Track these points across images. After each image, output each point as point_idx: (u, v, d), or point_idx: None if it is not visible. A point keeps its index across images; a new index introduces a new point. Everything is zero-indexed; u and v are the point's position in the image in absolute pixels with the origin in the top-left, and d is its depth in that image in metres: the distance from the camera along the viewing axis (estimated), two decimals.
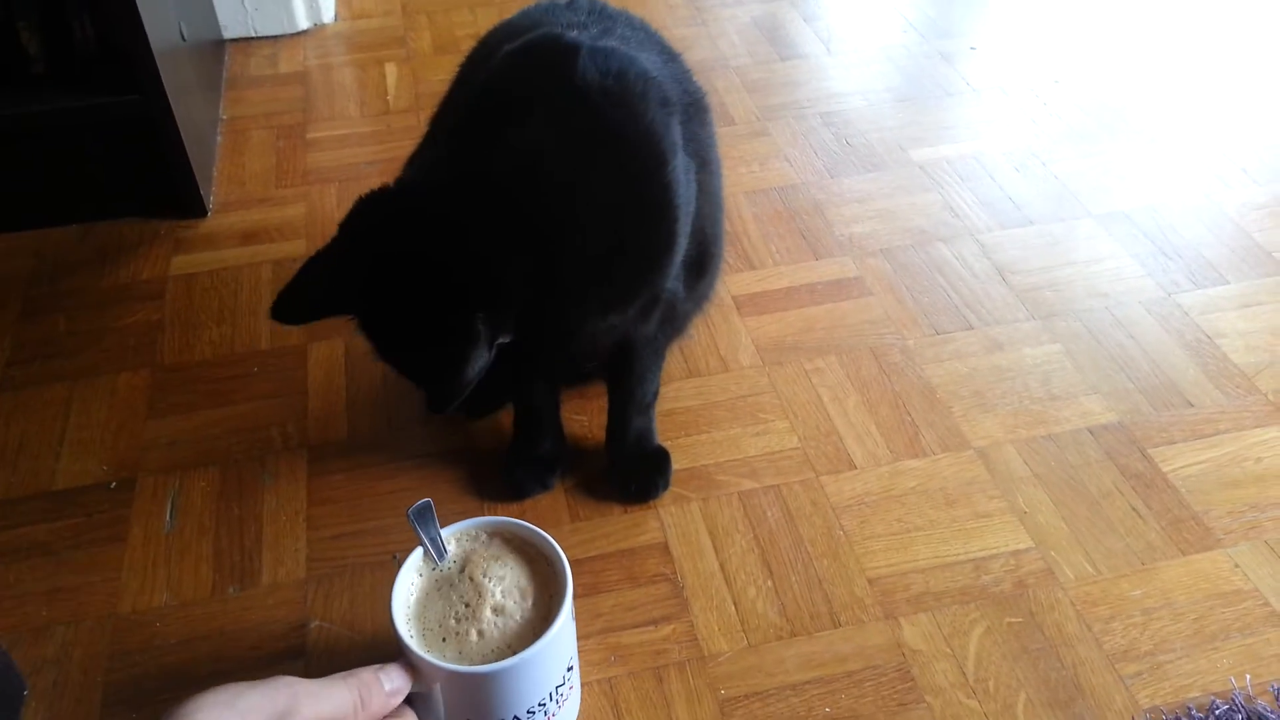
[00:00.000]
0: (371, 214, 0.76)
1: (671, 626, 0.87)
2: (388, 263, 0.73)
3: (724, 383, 1.09)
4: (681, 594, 0.90)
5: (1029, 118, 1.50)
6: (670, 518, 0.96)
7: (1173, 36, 1.71)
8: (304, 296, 0.75)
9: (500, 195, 0.74)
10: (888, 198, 1.35)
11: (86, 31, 1.24)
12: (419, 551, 0.74)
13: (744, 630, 0.87)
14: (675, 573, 0.91)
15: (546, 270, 0.75)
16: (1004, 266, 1.24)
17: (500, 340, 0.75)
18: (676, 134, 0.81)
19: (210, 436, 1.04)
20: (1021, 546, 0.93)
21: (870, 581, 0.90)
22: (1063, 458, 1.01)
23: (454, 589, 0.73)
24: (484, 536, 0.77)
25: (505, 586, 0.73)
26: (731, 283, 1.21)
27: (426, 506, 0.74)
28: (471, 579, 0.73)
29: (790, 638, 0.86)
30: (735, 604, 0.89)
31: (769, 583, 0.90)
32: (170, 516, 0.96)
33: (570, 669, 0.76)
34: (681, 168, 0.81)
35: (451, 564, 0.75)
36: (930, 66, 1.64)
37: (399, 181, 0.79)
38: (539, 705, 0.72)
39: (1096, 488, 0.98)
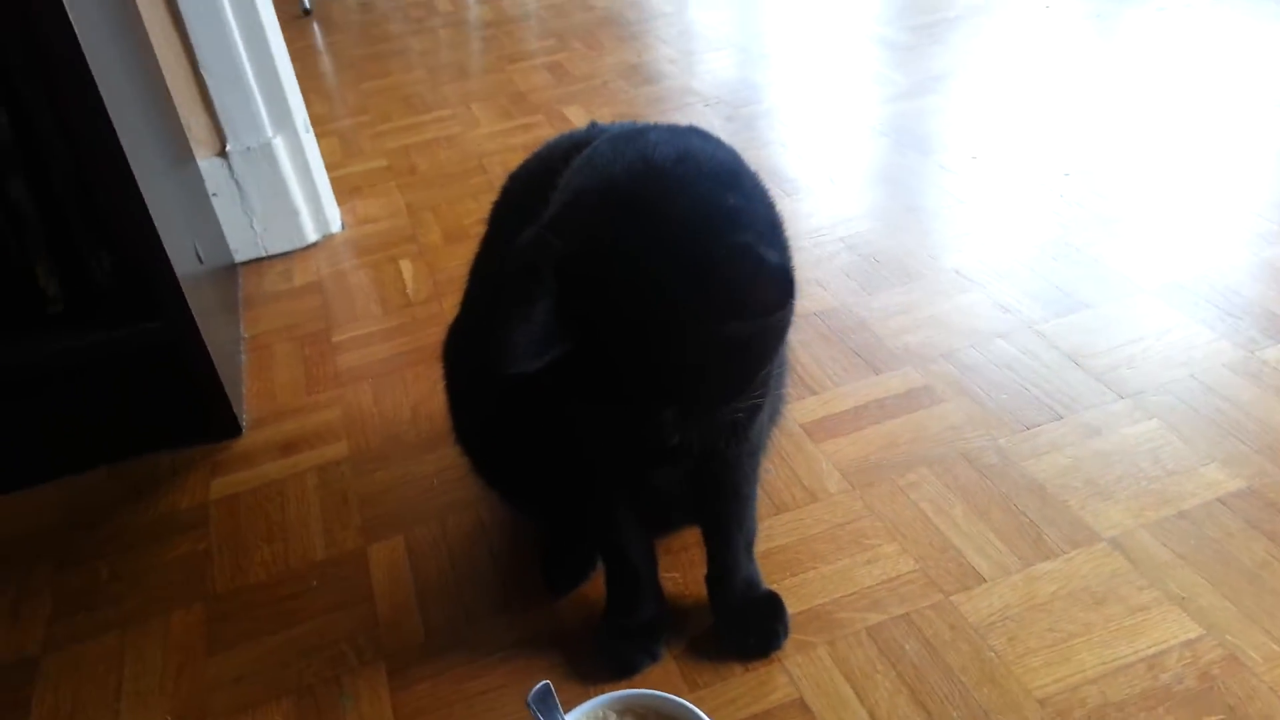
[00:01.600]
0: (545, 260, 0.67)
1: None
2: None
3: (816, 513, 1.02)
4: None
5: (1050, 210, 1.49)
6: (798, 669, 0.86)
7: (1169, 112, 1.73)
8: (523, 346, 0.64)
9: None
10: (932, 305, 1.32)
11: (103, 264, 1.22)
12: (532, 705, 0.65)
13: None
14: None
15: None
16: (1073, 353, 1.19)
17: None
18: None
19: (278, 664, 0.94)
20: (1192, 635, 0.84)
21: (1040, 702, 0.80)
22: (1202, 534, 0.93)
23: None
24: (613, 717, 0.68)
25: None
26: (796, 411, 1.15)
27: (546, 690, 0.66)
28: None
29: None
30: None
31: None
32: None
33: None
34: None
35: None
36: (937, 180, 1.64)
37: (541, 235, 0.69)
38: None
39: (1250, 559, 0.90)
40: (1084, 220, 1.45)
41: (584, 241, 0.66)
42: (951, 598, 0.90)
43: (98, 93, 1.06)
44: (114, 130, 1.08)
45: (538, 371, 0.64)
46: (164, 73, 1.56)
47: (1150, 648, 0.83)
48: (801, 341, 1.28)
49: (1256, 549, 0.90)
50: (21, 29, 1.08)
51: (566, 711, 0.66)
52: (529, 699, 0.65)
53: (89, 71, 1.05)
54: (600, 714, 0.68)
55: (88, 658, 0.98)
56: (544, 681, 0.66)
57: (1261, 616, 0.84)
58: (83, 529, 1.15)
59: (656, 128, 0.78)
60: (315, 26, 3.06)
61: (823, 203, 1.62)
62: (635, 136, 0.74)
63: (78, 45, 1.04)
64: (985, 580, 0.92)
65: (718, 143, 0.77)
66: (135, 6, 1.50)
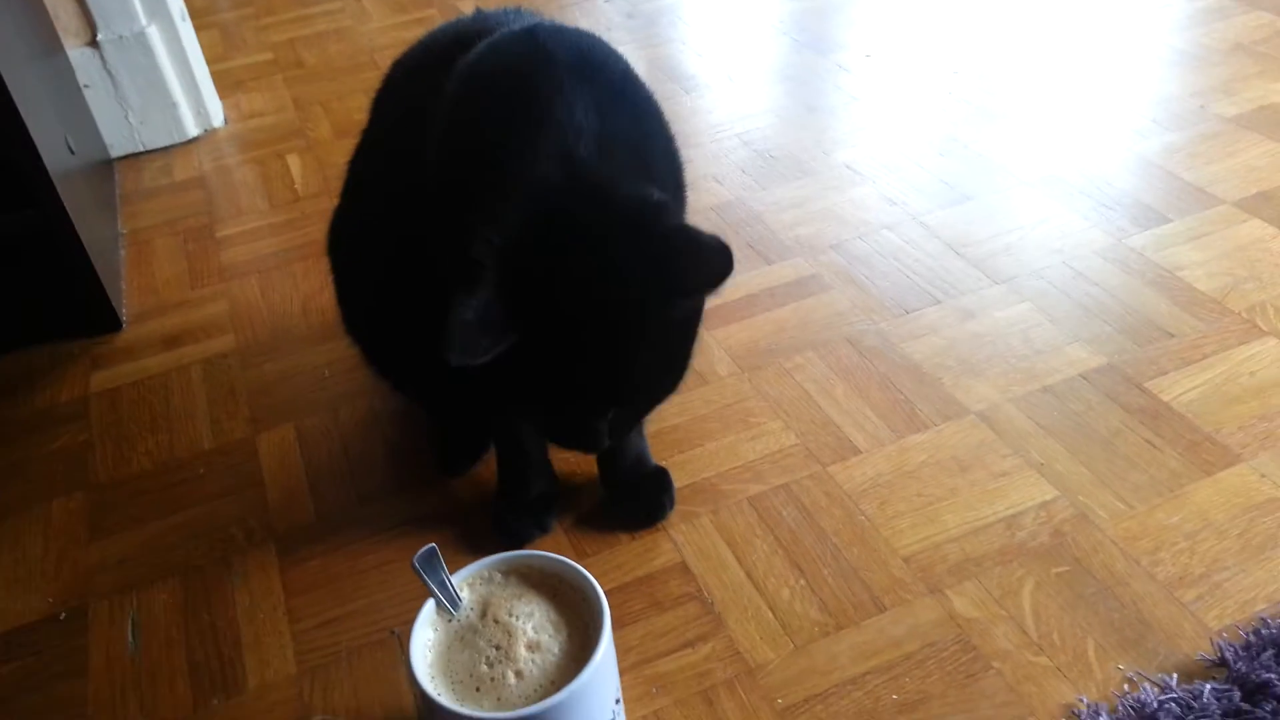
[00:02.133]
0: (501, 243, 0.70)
1: (710, 645, 0.80)
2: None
3: (706, 395, 1.04)
4: (712, 610, 0.83)
5: (939, 107, 1.52)
6: (682, 536, 0.89)
7: (1052, 16, 1.77)
8: (479, 333, 0.66)
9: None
10: (823, 198, 1.34)
11: None
12: (430, 604, 0.67)
13: (787, 634, 0.80)
14: (701, 590, 0.84)
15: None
16: (954, 242, 1.23)
17: None
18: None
19: (164, 547, 0.94)
20: (1048, 497, 0.89)
21: (905, 560, 0.85)
22: (1063, 407, 0.98)
23: (479, 635, 0.65)
24: (498, 577, 0.70)
25: (536, 622, 0.66)
26: None
27: (432, 552, 0.67)
28: (496, 620, 0.66)
29: (837, 632, 0.80)
30: (771, 609, 0.82)
31: (801, 581, 0.84)
32: (132, 636, 0.86)
33: (618, 701, 0.68)
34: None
35: (469, 610, 0.67)
36: (832, 78, 1.65)
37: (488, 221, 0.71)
38: None
39: (1105, 428, 0.95)
40: (970, 116, 1.49)
41: (522, 240, 0.68)
42: (829, 468, 0.94)
43: None
44: None
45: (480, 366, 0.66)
46: None
47: (1009, 509, 0.89)
48: None
49: (1111, 419, 0.96)
50: None
51: (453, 574, 0.67)
52: (414, 560, 0.66)
53: None
54: (485, 574, 0.69)
55: None
56: (430, 544, 0.67)
57: (1112, 479, 0.90)
58: None
59: (545, 31, 0.80)
60: None
61: (721, 100, 1.62)
62: (535, 73, 0.75)
63: None
64: (860, 452, 0.96)
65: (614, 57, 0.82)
66: None
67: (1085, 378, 1.01)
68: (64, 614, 0.88)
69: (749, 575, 0.85)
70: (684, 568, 0.86)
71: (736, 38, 1.85)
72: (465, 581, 0.69)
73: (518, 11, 0.89)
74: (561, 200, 0.70)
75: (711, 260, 0.68)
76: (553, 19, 0.88)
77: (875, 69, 1.66)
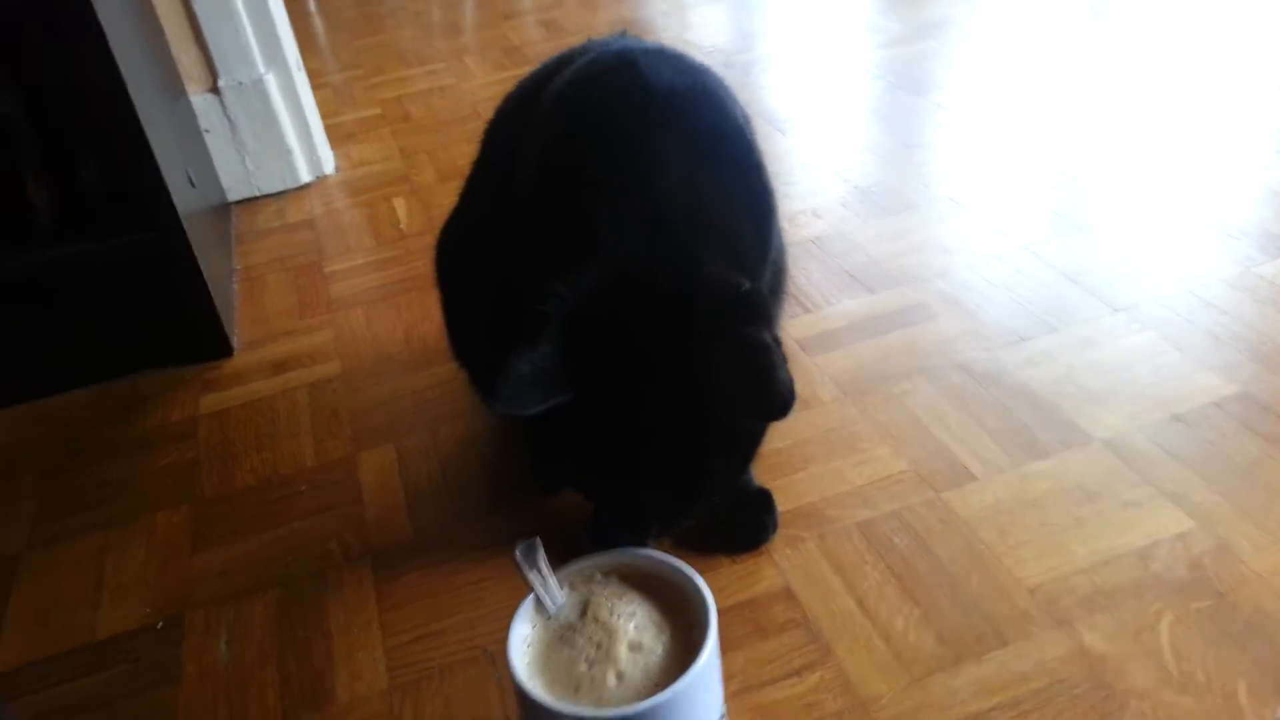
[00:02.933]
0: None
1: (817, 675, 0.75)
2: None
3: (809, 419, 1.01)
4: (820, 638, 0.78)
5: (1047, 140, 1.48)
6: (786, 561, 0.85)
7: (1170, 45, 1.72)
8: (530, 385, 0.66)
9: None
10: (926, 229, 1.31)
11: (91, 172, 1.22)
12: (530, 600, 0.64)
13: (901, 665, 0.75)
14: (807, 617, 0.80)
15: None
16: (1068, 270, 1.18)
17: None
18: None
19: (263, 560, 0.94)
20: (1184, 528, 0.83)
21: (1030, 591, 0.79)
22: (1196, 435, 0.92)
23: (579, 633, 0.62)
24: (599, 576, 0.67)
25: (639, 622, 0.63)
26: (790, 328, 1.14)
27: (533, 545, 0.65)
28: (597, 619, 0.63)
29: (955, 665, 0.75)
30: (884, 639, 0.77)
31: (916, 611, 0.79)
32: (226, 647, 0.85)
33: (723, 716, 0.64)
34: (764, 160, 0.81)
35: (569, 608, 0.64)
36: (930, 116, 1.63)
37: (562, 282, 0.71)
38: None
39: (1243, 457, 0.89)
40: (1081, 148, 1.44)
41: (596, 304, 0.68)
42: (943, 495, 0.90)
43: (94, 12, 1.05)
44: (109, 46, 1.07)
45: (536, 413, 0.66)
46: (156, 7, 1.55)
47: (1142, 540, 0.82)
48: (796, 265, 1.27)
49: (1250, 448, 0.90)
50: None
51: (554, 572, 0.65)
52: (516, 552, 0.64)
53: None
54: (587, 573, 0.66)
55: (70, 556, 0.97)
56: (533, 537, 0.65)
57: (1253, 510, 0.83)
58: (69, 440, 1.15)
59: (646, 60, 0.80)
60: None
61: (817, 139, 1.61)
62: (638, 132, 0.75)
63: None
64: (977, 478, 0.91)
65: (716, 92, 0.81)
66: None
67: (1219, 405, 0.95)
68: (162, 623, 0.88)
69: (859, 603, 0.81)
70: (788, 593, 0.82)
71: (830, 83, 1.84)
72: (566, 579, 0.66)
73: (623, 35, 0.90)
74: (643, 271, 0.69)
75: (773, 397, 0.65)
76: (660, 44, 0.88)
77: (977, 107, 1.63)
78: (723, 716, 0.64)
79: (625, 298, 0.68)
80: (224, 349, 1.26)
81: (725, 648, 0.78)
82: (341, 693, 0.80)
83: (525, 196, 0.81)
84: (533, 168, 0.81)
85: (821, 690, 0.74)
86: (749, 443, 0.76)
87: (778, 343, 0.69)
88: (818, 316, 1.16)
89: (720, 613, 0.80)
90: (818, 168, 1.51)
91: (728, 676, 0.75)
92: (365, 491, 1.00)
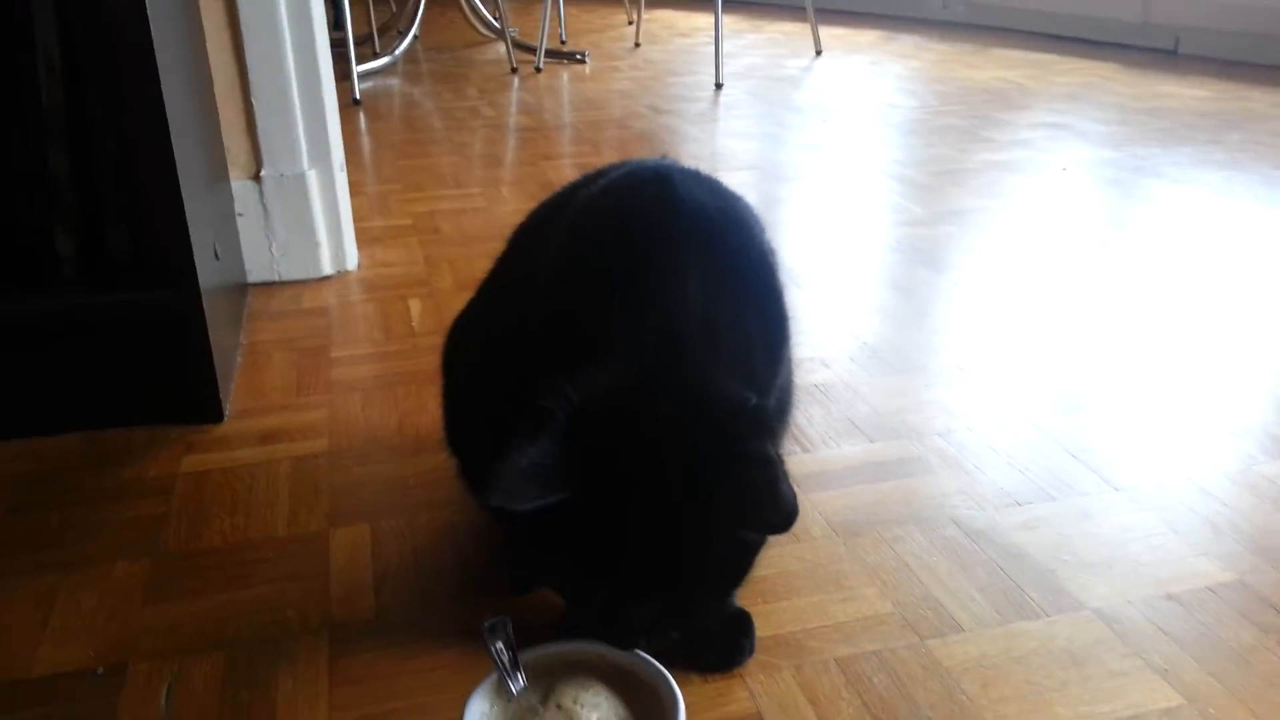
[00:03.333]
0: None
1: None
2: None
3: (797, 551, 0.98)
4: None
5: (1062, 326, 1.51)
6: (760, 686, 0.82)
7: (1189, 255, 1.78)
8: (527, 481, 0.64)
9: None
10: (932, 390, 1.32)
11: (121, 237, 1.24)
12: (492, 678, 0.62)
13: None
14: None
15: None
16: (1071, 446, 1.18)
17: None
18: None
19: (216, 620, 0.90)
20: (1172, 704, 0.80)
21: None
22: (1190, 616, 0.90)
23: (539, 719, 0.59)
24: (567, 664, 0.64)
25: (603, 715, 0.60)
26: (788, 464, 1.12)
27: (503, 622, 0.62)
28: (560, 706, 0.60)
29: None
30: None
31: None
32: (166, 702, 0.80)
33: None
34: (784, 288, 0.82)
35: (531, 693, 0.61)
36: (947, 292, 1.67)
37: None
38: None
39: (1238, 644, 0.86)
40: (1095, 336, 1.47)
41: (601, 407, 0.67)
42: (927, 641, 0.87)
43: (158, 83, 1.11)
44: (166, 118, 1.12)
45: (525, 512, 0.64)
46: (215, 92, 1.62)
47: (1127, 710, 0.79)
48: (799, 407, 1.27)
49: (1245, 636, 0.87)
50: (96, 7, 1.14)
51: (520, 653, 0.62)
52: (484, 626, 0.61)
53: (155, 64, 1.10)
54: (555, 659, 0.64)
55: (20, 592, 0.94)
56: (502, 615, 0.62)
57: (1247, 697, 0.80)
58: (45, 481, 1.12)
59: (678, 176, 0.82)
60: (362, 114, 3.18)
61: (831, 296, 1.65)
62: (658, 245, 0.76)
63: (149, 36, 1.09)
64: (963, 630, 0.88)
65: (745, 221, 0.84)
66: (200, 22, 1.58)
67: (1214, 591, 0.93)
68: (102, 669, 0.84)
69: None
70: (759, 719, 0.78)
71: (849, 249, 1.90)
72: (531, 662, 0.63)
73: (664, 159, 0.93)
74: (652, 378, 0.69)
75: (776, 513, 0.65)
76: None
77: (993, 288, 1.67)
78: None
79: (631, 403, 0.68)
80: (215, 414, 1.25)
81: None
82: None
83: (543, 293, 0.82)
84: (554, 266, 0.83)
85: None
86: (743, 560, 0.74)
87: (780, 459, 0.68)
88: (815, 457, 1.15)
89: None
90: (829, 322, 1.54)
91: None
92: (333, 566, 0.97)
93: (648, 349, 0.70)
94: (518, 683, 0.61)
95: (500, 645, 0.61)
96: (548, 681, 0.62)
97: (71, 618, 0.90)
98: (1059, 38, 4.20)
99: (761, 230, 0.87)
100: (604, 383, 0.69)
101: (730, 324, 0.75)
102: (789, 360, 0.90)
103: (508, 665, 0.60)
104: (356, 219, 1.86)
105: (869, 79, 3.61)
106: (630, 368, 0.69)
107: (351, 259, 1.80)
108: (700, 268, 0.75)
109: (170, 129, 1.13)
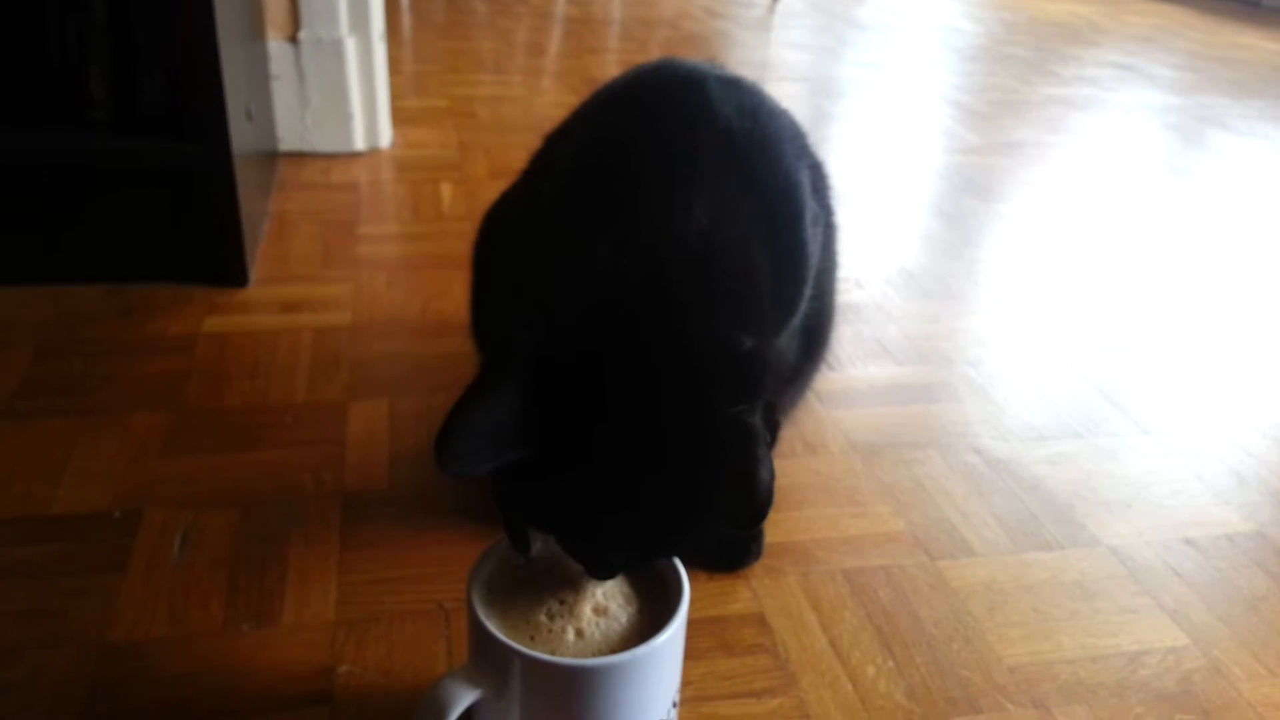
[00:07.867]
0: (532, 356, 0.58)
1: (777, 701, 0.72)
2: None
3: (814, 464, 0.98)
4: (785, 667, 0.74)
5: (1113, 260, 1.48)
6: (764, 588, 0.82)
7: (1236, 212, 1.73)
8: (483, 441, 0.55)
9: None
10: (966, 317, 1.29)
11: (155, 84, 1.21)
12: (503, 542, 0.61)
13: (865, 711, 0.71)
14: (776, 645, 0.76)
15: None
16: (1105, 386, 1.16)
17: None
18: (806, 179, 0.75)
19: (233, 477, 0.91)
20: (1178, 643, 0.79)
21: (1010, 669, 0.76)
22: (1205, 561, 0.89)
23: (545, 585, 0.59)
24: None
25: (608, 589, 0.60)
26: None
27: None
28: (566, 576, 0.60)
29: None
30: (852, 682, 0.73)
31: (890, 663, 0.75)
32: (179, 548, 0.81)
33: (675, 705, 0.60)
34: (810, 219, 0.74)
35: (540, 561, 0.61)
36: (993, 223, 1.63)
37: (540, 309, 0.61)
38: None
39: (1250, 591, 0.85)
40: (1137, 281, 1.44)
41: (569, 342, 0.57)
42: (937, 562, 0.86)
43: None
44: None
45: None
46: None
47: (1133, 645, 0.79)
48: None
49: (1257, 585, 0.86)
50: None
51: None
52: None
53: None
54: None
55: (41, 433, 0.94)
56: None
57: (1253, 642, 0.80)
58: (69, 329, 1.12)
59: (717, 83, 0.74)
60: None
61: (872, 217, 1.61)
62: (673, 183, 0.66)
63: None
64: (975, 554, 0.87)
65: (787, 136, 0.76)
66: None
67: (1231, 539, 0.92)
68: (119, 513, 0.85)
69: (832, 643, 0.77)
70: (760, 619, 0.79)
71: (896, 172, 1.85)
72: (542, 536, 0.63)
73: (711, 61, 0.87)
74: (631, 312, 0.58)
75: (744, 504, 0.53)
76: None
77: (1039, 222, 1.63)
78: (675, 707, 0.60)
79: (603, 341, 0.57)
80: (240, 278, 1.24)
81: (688, 655, 0.73)
82: (287, 615, 0.76)
83: (546, 193, 0.76)
84: (560, 166, 0.77)
85: (779, 716, 0.70)
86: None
87: (769, 424, 0.58)
88: (840, 375, 1.14)
89: (689, 623, 0.76)
90: (867, 243, 1.51)
91: (685, 681, 0.71)
92: (350, 437, 0.97)
93: (630, 275, 0.60)
94: (528, 552, 0.60)
95: (511, 514, 0.60)
96: (557, 551, 0.62)
97: (91, 461, 0.91)
98: None
99: (799, 152, 0.77)
100: (576, 313, 0.59)
101: (735, 252, 0.65)
102: (826, 295, 0.84)
103: (520, 532, 0.60)
104: (392, 97, 1.82)
105: (935, 0, 3.48)
106: (607, 295, 0.60)
107: (385, 136, 1.77)
108: (713, 186, 0.66)
109: None
